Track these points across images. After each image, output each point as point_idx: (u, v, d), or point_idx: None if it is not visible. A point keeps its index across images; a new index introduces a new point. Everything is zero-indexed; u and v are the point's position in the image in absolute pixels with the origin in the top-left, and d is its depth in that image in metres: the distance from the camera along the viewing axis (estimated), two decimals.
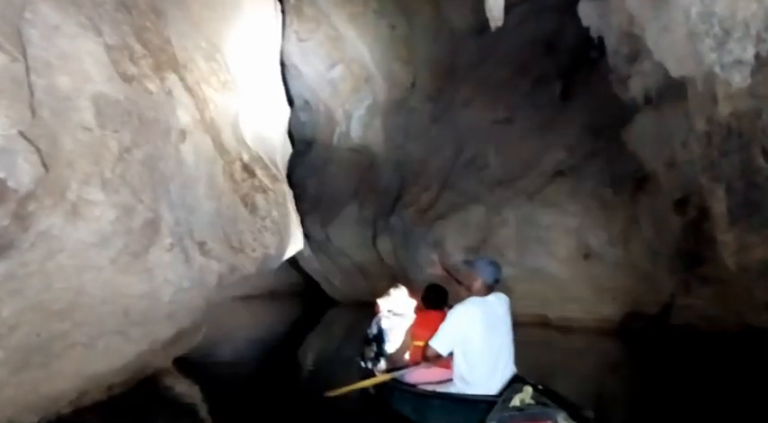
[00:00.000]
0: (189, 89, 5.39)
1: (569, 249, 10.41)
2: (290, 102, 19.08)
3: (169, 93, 5.00)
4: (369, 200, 16.02)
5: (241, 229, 5.92)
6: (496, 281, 4.25)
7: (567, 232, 10.40)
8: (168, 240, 4.75)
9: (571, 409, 3.47)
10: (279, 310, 17.29)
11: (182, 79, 5.30)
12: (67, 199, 4.01)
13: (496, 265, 4.32)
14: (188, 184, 5.14)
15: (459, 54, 14.54)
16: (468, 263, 4.50)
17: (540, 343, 9.13)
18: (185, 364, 7.18)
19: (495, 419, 3.43)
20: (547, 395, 3.68)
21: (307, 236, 17.87)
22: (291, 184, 15.79)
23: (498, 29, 12.68)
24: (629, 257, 9.76)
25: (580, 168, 10.63)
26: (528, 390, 3.55)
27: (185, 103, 5.20)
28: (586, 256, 10.22)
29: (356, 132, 16.85)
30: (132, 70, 4.62)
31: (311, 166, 17.78)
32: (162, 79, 4.95)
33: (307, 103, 18.31)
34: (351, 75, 16.49)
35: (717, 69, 4.98)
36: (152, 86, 4.76)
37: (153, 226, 4.58)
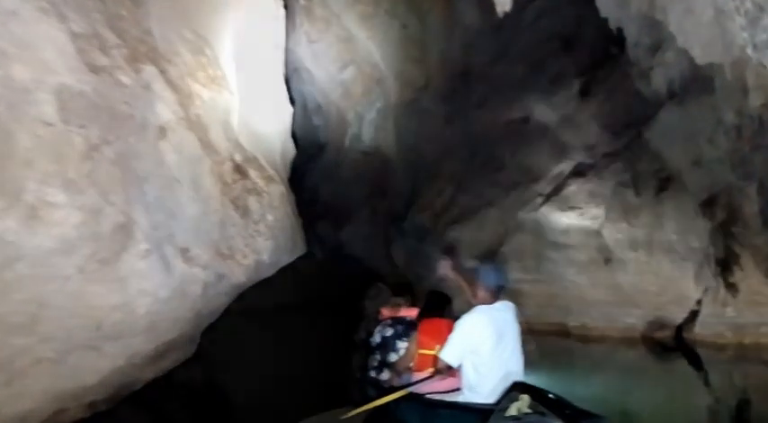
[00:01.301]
0: (171, 83, 5.01)
1: (589, 254, 9.88)
2: (304, 106, 18.87)
3: (147, 86, 4.62)
4: (381, 204, 15.56)
5: (231, 234, 5.53)
6: (501, 287, 4.11)
7: (586, 236, 9.86)
8: (143, 246, 4.35)
9: (579, 418, 3.34)
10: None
11: (163, 72, 4.92)
12: (24, 201, 3.64)
13: (500, 271, 4.20)
14: (168, 185, 4.74)
15: (473, 53, 14.03)
16: (470, 270, 4.35)
17: (558, 353, 8.69)
18: None
19: None
20: (554, 403, 3.50)
21: (320, 241, 17.57)
22: (303, 189, 15.39)
23: (513, 26, 12.29)
24: (653, 263, 9.20)
25: (600, 169, 10.09)
26: (525, 398, 3.43)
27: (166, 97, 4.82)
28: (607, 261, 9.67)
29: (368, 135, 16.42)
30: (102, 61, 4.24)
31: (324, 169, 17.40)
32: (138, 71, 4.57)
33: (319, 106, 18.02)
34: (362, 76, 16.11)
35: (749, 51, 4.46)
36: (126, 79, 4.38)
37: (125, 230, 4.18)
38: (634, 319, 9.48)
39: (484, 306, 4.03)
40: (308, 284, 15.28)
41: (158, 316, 4.76)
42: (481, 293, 4.07)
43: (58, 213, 3.78)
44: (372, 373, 5.34)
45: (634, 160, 9.52)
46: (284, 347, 10.88)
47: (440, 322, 4.65)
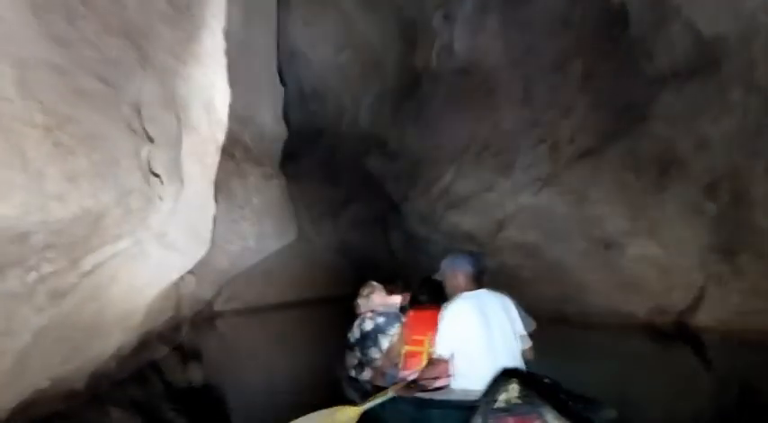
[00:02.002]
0: (146, 58, 4.72)
1: (589, 240, 9.63)
2: (300, 90, 18.58)
3: (118, 60, 4.34)
4: (380, 191, 15.08)
5: (212, 219, 5.27)
6: (481, 272, 4.14)
7: (586, 221, 9.61)
8: (114, 232, 4.10)
9: (589, 407, 3.28)
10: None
11: (138, 48, 4.64)
12: None
13: (476, 256, 4.23)
14: (141, 166, 4.47)
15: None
16: (445, 263, 4.28)
17: (558, 340, 8.46)
18: None
19: (479, 421, 3.23)
20: (548, 388, 3.37)
21: (319, 230, 17.20)
22: (300, 176, 14.89)
23: (512, 6, 11.90)
24: (654, 248, 8.95)
25: (601, 152, 9.80)
26: (514, 387, 3.31)
27: (139, 73, 4.54)
28: (607, 246, 9.42)
29: (365, 120, 15.96)
30: (69, 33, 3.97)
31: (321, 156, 16.94)
32: (108, 45, 4.28)
33: (315, 91, 17.67)
34: (359, 59, 15.77)
35: (761, 17, 4.18)
36: (94, 53, 4.10)
37: (92, 216, 3.93)
38: (635, 306, 9.24)
39: (467, 293, 4.01)
40: None
41: (132, 304, 4.52)
42: (462, 282, 4.08)
43: (15, 197, 3.53)
44: (352, 373, 5.10)
45: (636, 143, 9.23)
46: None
47: (429, 313, 4.36)
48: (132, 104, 4.31)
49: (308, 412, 3.84)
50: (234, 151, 13.82)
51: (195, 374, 9.14)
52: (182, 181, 5.35)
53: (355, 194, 15.68)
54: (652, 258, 8.93)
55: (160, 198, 4.66)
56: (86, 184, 3.69)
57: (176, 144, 5.14)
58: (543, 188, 10.13)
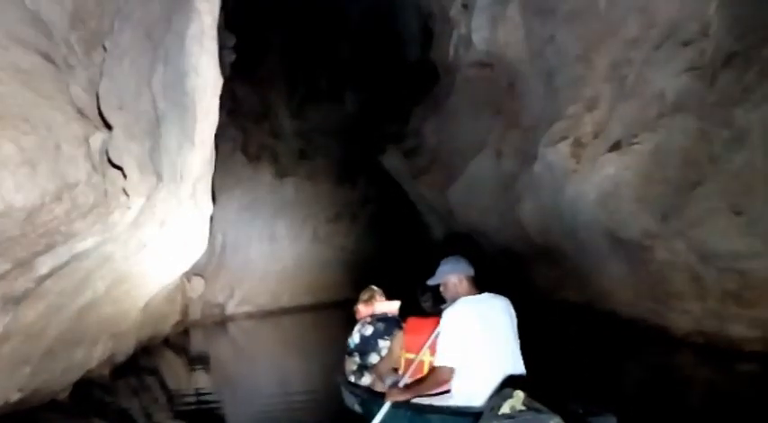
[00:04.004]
0: (113, 39, 4.27)
1: (614, 241, 8.93)
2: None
3: (72, 38, 3.89)
4: (509, 142, 10.98)
5: (208, 218, 4.77)
6: (479, 274, 4.04)
7: (611, 221, 8.91)
8: (63, 230, 3.64)
9: (592, 413, 3.27)
10: None
11: (99, 26, 4.19)
12: None
13: (466, 258, 4.09)
14: None
15: None
16: (443, 268, 4.14)
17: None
18: None
19: None
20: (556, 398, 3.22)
21: (429, 205, 14.05)
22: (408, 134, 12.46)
23: None
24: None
25: (628, 147, 9.06)
26: (519, 394, 3.21)
27: (101, 54, 4.08)
28: (634, 248, 8.73)
29: (481, 33, 11.18)
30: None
31: (430, 101, 13.08)
32: (62, 20, 3.84)
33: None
34: None
35: None
36: (37, 27, 3.65)
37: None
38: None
39: (468, 297, 3.90)
40: None
41: (118, 310, 4.06)
42: (462, 286, 3.97)
43: None
44: (352, 378, 5.09)
45: (665, 136, 8.48)
46: None
47: (430, 319, 4.22)
48: (86, 87, 3.83)
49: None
50: (249, 149, 13.57)
51: (202, 381, 8.79)
52: (159, 176, 4.89)
53: (473, 150, 11.91)
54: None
55: (125, 194, 4.18)
56: (9, 174, 3.20)
57: (151, 135, 4.68)
58: (566, 186, 9.47)
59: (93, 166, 3.72)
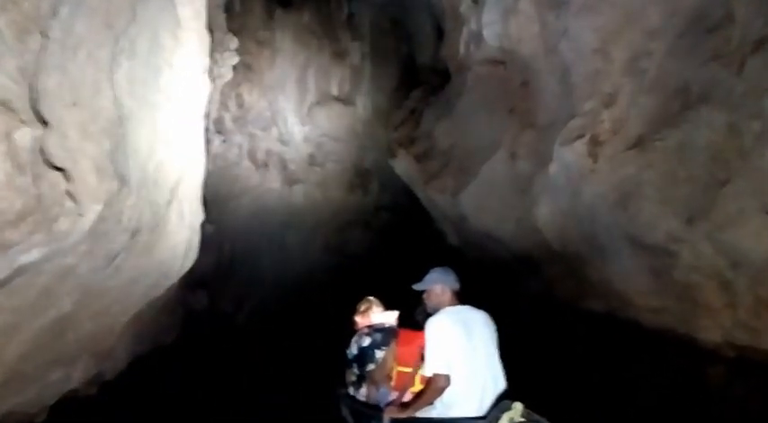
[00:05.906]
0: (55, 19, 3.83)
1: (636, 245, 8.32)
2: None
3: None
4: (524, 142, 10.31)
5: (198, 227, 4.38)
6: (460, 290, 4.21)
7: (632, 224, 8.29)
8: None
9: None
10: None
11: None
12: None
13: (453, 273, 4.25)
14: None
15: None
16: (432, 276, 4.33)
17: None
18: None
19: None
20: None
21: (442, 212, 14.53)
22: (419, 136, 12.46)
23: None
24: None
25: (649, 144, 8.46)
26: (517, 407, 3.34)
27: (37, 38, 3.64)
28: (658, 252, 8.10)
29: (493, 29, 10.50)
30: None
31: (441, 102, 12.50)
32: None
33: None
34: None
35: None
36: None
37: None
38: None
39: (450, 307, 4.08)
40: None
41: (97, 327, 3.65)
42: (446, 297, 4.16)
43: None
44: (351, 390, 5.11)
45: (690, 132, 7.87)
46: None
47: (419, 334, 4.21)
48: (16, 77, 3.38)
49: None
50: (255, 155, 13.24)
51: (206, 395, 8.45)
52: (124, 180, 4.45)
53: (486, 152, 10.64)
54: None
55: (72, 199, 3.73)
56: None
57: (112, 135, 4.24)
58: (583, 187, 8.87)
59: (19, 167, 3.28)
